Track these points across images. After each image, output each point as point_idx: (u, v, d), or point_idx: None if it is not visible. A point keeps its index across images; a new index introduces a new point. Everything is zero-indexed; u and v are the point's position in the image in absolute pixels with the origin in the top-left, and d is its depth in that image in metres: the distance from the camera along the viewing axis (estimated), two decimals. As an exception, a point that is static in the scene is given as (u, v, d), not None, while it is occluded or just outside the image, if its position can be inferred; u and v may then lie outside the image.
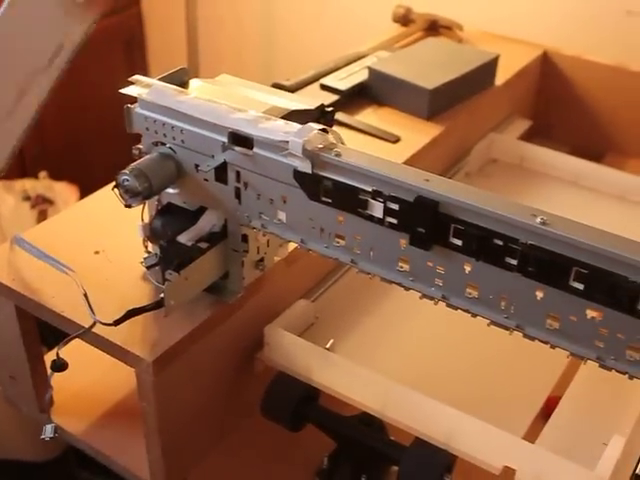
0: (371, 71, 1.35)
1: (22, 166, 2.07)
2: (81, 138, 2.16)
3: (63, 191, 1.95)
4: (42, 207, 1.91)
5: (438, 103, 1.30)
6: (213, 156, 0.82)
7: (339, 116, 1.26)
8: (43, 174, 2.00)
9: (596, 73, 1.56)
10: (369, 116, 1.31)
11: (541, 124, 1.61)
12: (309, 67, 1.38)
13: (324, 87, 1.33)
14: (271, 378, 0.92)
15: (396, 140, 1.23)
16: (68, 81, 2.11)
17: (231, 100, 0.83)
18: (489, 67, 1.40)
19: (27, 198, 1.95)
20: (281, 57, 2.17)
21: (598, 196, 1.35)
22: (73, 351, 0.87)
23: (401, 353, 1.01)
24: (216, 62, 2.20)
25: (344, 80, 1.35)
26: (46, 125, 2.07)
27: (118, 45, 2.24)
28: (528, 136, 1.56)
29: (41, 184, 1.98)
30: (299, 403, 0.91)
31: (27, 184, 1.97)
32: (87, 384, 0.98)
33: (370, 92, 1.35)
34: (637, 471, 0.78)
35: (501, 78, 1.43)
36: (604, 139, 1.60)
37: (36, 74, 0.77)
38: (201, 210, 0.87)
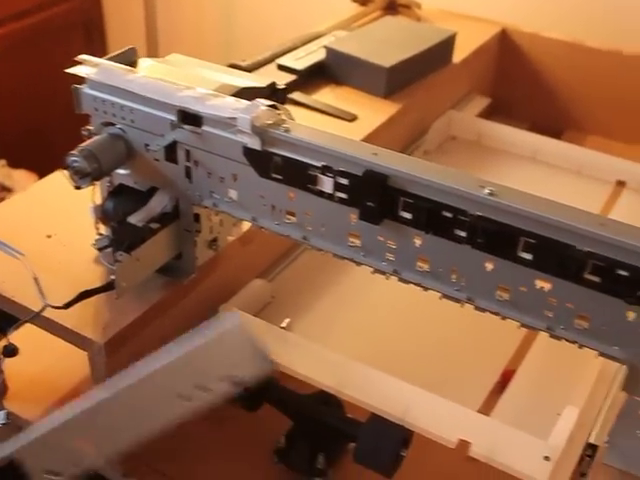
0: (328, 50, 1.35)
1: (-20, 155, 2.04)
2: (40, 124, 2.13)
3: (22, 179, 1.93)
4: (0, 195, 1.88)
5: (395, 81, 1.30)
6: (163, 135, 0.81)
7: (296, 96, 1.26)
8: (1, 162, 1.97)
9: (554, 50, 1.57)
10: (326, 95, 1.30)
11: (500, 102, 1.62)
12: (270, 47, 1.37)
13: (281, 67, 1.32)
14: (228, 358, 0.92)
15: (353, 119, 1.23)
16: (26, 67, 2.08)
17: (180, 79, 0.82)
18: (446, 45, 1.40)
19: (-15, 186, 1.93)
20: (241, 37, 2.16)
21: (556, 171, 1.36)
22: (28, 337, 0.87)
23: (357, 331, 1.01)
24: (175, 43, 2.18)
25: (301, 60, 1.34)
26: (3, 112, 2.04)
27: (77, 29, 2.21)
28: (487, 114, 1.57)
29: (0, 172, 1.96)
30: (255, 382, 0.90)
31: (-15, 172, 1.95)
32: (42, 370, 0.97)
33: (327, 71, 1.34)
34: (590, 440, 0.79)
35: (459, 56, 1.43)
36: (563, 116, 1.60)
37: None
38: (152, 190, 0.86)
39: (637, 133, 1.52)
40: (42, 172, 1.08)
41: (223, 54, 2.18)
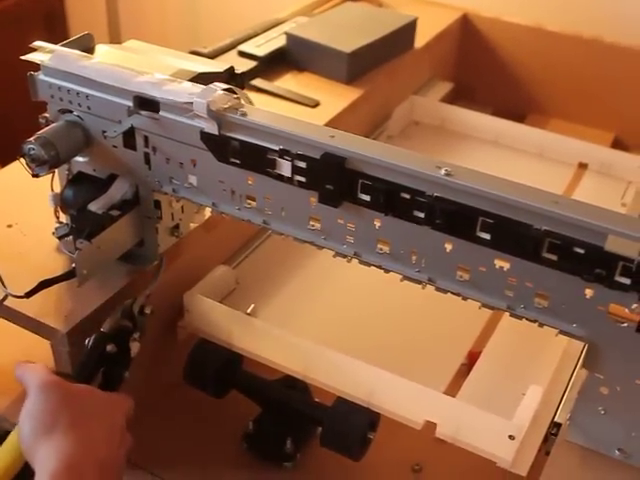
0: (289, 36, 1.34)
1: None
2: (3, 114, 2.10)
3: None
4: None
5: (357, 67, 1.30)
6: (120, 122, 0.81)
7: (258, 82, 1.25)
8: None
9: (515, 34, 1.58)
10: (288, 82, 1.30)
11: (463, 86, 1.62)
12: (234, 33, 1.37)
13: (242, 54, 1.32)
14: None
15: (315, 105, 1.23)
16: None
17: (137, 65, 0.82)
18: (408, 30, 1.40)
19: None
20: (205, 25, 2.14)
21: (519, 154, 1.37)
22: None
23: (322, 315, 1.01)
24: (138, 32, 2.16)
25: (262, 46, 1.34)
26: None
27: (38, 19, 2.19)
28: (450, 99, 1.57)
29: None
30: (221, 369, 0.90)
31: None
32: (5, 361, 0.96)
33: (289, 58, 1.34)
34: (555, 419, 0.80)
35: (421, 41, 1.44)
36: (525, 100, 1.61)
37: None
38: (112, 177, 0.85)
39: (598, 116, 1.53)
40: (4, 161, 1.07)
41: (187, 42, 2.16)
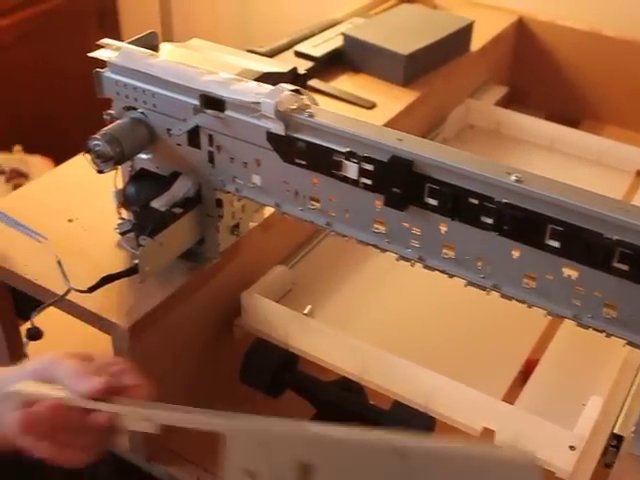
0: (346, 37, 1.34)
1: (-5, 140, 2.05)
2: (55, 111, 2.13)
3: (37, 164, 1.93)
4: (17, 181, 1.88)
5: (414, 69, 1.29)
6: (185, 120, 0.81)
7: (314, 83, 1.25)
8: (17, 148, 1.97)
9: (571, 38, 1.56)
10: (344, 83, 1.30)
11: (517, 91, 1.61)
12: (285, 34, 1.37)
13: (298, 54, 1.32)
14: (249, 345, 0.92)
15: (372, 106, 1.23)
16: (42, 55, 2.09)
17: (202, 63, 0.82)
18: (464, 33, 1.39)
19: (1, 172, 1.92)
20: (257, 24, 2.15)
21: (574, 161, 1.35)
22: (50, 322, 0.87)
23: (379, 318, 1.00)
24: (190, 32, 2.17)
25: (319, 47, 1.33)
26: (20, 99, 2.04)
27: (91, 18, 2.21)
28: (504, 103, 1.56)
29: (15, 158, 1.96)
30: (278, 369, 0.90)
31: (1, 158, 1.95)
32: (63, 354, 0.97)
33: (345, 59, 1.34)
34: (615, 430, 0.78)
35: (476, 44, 1.42)
36: (580, 105, 1.59)
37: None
38: (175, 175, 0.86)
39: (655, 123, 1.51)
40: (57, 158, 1.08)
41: (239, 42, 2.17)
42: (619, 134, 1.48)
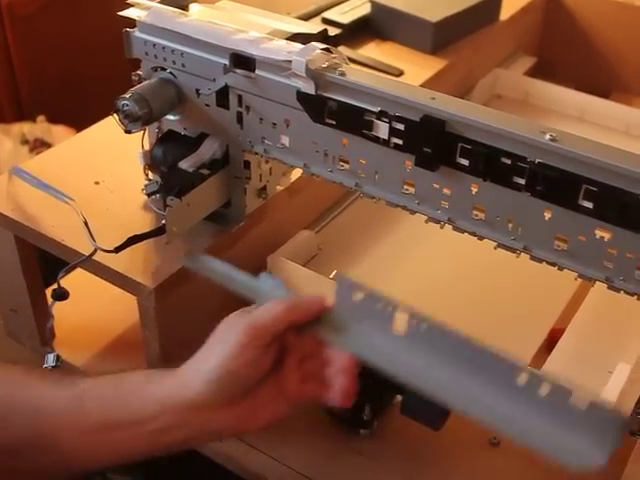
0: (374, 4, 1.33)
1: (19, 110, 2.04)
2: (79, 81, 2.13)
3: (61, 134, 1.93)
4: (40, 150, 1.89)
5: (442, 37, 1.28)
6: (214, 80, 0.80)
7: (341, 50, 1.23)
8: (41, 118, 1.98)
9: (601, 8, 1.53)
10: (372, 50, 1.29)
11: (546, 61, 1.58)
12: (313, 1, 1.36)
13: (326, 21, 1.30)
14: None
15: (399, 74, 1.22)
16: (65, 24, 2.07)
17: (232, 23, 0.81)
18: (493, 2, 1.37)
19: (25, 142, 1.93)
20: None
21: (603, 131, 1.33)
22: (75, 284, 0.87)
23: (404, 283, 1.00)
24: None
25: (346, 14, 1.32)
26: (44, 69, 2.04)
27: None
28: (532, 73, 1.54)
29: (39, 127, 1.96)
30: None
31: (25, 127, 1.95)
32: (89, 316, 0.97)
33: (373, 26, 1.33)
34: (641, 398, 0.78)
35: (506, 13, 1.41)
36: (609, 77, 1.57)
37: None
38: (202, 136, 0.85)
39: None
40: (80, 128, 1.08)
41: (265, 9, 2.16)
42: (648, 106, 1.46)
